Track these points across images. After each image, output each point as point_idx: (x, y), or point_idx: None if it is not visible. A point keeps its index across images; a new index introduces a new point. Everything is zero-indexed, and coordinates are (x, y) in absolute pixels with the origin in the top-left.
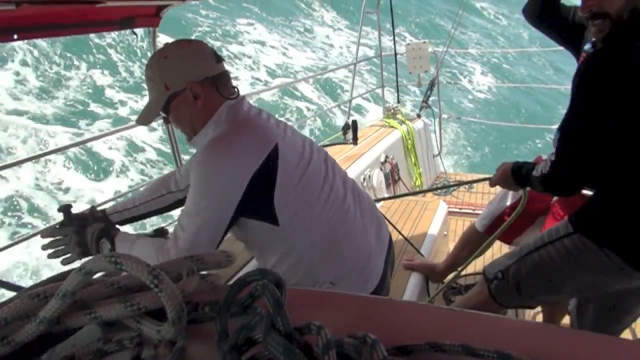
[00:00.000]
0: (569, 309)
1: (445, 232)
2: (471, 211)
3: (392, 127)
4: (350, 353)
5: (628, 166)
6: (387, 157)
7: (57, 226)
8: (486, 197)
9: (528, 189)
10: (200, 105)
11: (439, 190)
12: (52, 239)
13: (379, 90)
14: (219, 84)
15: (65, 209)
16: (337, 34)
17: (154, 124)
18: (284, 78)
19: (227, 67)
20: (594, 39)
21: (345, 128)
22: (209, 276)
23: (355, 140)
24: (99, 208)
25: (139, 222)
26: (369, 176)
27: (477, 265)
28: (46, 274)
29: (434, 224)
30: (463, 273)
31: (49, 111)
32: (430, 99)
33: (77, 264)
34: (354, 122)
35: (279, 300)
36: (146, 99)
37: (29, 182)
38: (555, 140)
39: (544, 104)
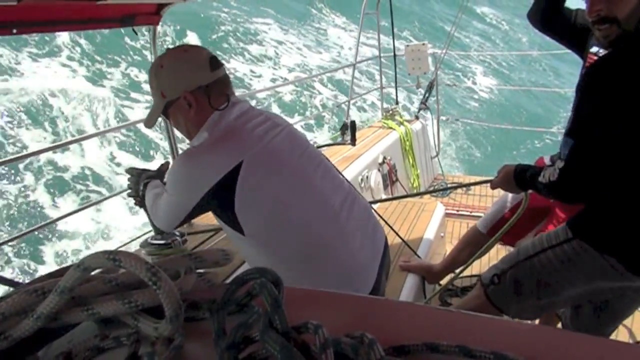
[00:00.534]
0: (561, 311)
1: (442, 234)
2: (468, 213)
3: (391, 128)
4: (347, 352)
5: (628, 172)
6: (385, 158)
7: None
8: (483, 200)
9: (530, 191)
10: (194, 113)
11: (437, 192)
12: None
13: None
14: (212, 92)
15: (131, 169)
16: (349, 34)
17: None
18: (300, 73)
19: (249, 66)
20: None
21: (344, 128)
22: (206, 274)
23: (353, 141)
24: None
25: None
26: (367, 177)
27: (473, 267)
28: (116, 234)
29: (431, 225)
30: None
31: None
32: (429, 100)
33: (78, 258)
34: (352, 123)
35: (277, 299)
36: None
37: (92, 158)
38: (563, 146)
39: (544, 106)
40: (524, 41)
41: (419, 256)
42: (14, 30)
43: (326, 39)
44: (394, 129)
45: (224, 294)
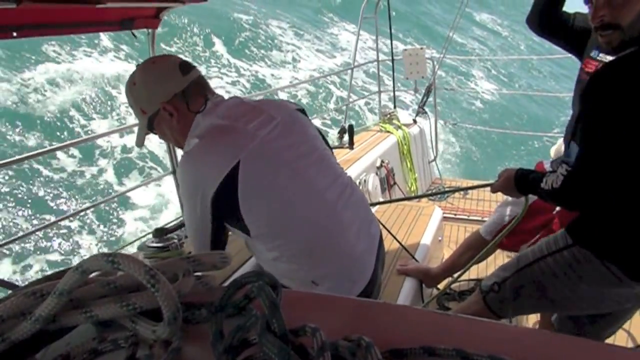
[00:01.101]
0: (553, 318)
1: (440, 238)
2: (466, 217)
3: (388, 132)
4: (345, 355)
5: (628, 178)
6: (382, 161)
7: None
8: (481, 204)
9: (530, 196)
10: (176, 121)
11: (434, 196)
12: None
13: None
14: (189, 97)
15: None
16: (360, 39)
17: None
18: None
19: (268, 69)
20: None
21: (342, 132)
22: (204, 277)
23: (351, 144)
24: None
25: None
26: (365, 180)
27: (471, 271)
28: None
29: (428, 229)
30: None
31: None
32: (427, 104)
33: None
34: (350, 127)
35: (275, 302)
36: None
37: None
38: (568, 152)
39: (545, 111)
40: (522, 48)
41: (416, 260)
42: (14, 34)
43: (338, 42)
44: (392, 133)
45: (221, 296)
